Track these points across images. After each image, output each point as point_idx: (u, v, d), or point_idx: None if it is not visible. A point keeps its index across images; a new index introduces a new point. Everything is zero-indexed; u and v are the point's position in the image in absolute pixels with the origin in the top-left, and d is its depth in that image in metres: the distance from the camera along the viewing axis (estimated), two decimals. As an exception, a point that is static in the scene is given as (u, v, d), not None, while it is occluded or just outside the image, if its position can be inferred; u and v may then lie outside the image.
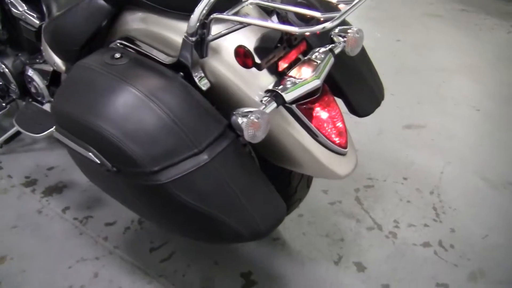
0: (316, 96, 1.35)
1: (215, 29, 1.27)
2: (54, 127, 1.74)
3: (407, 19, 4.07)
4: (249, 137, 1.18)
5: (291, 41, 1.31)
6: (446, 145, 2.54)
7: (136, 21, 1.47)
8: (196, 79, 1.34)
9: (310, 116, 1.35)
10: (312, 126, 1.34)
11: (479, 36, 3.86)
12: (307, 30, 1.13)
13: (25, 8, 1.85)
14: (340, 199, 2.11)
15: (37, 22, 1.83)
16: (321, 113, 1.36)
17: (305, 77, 1.26)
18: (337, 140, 1.38)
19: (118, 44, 1.50)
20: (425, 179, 2.28)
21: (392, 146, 2.49)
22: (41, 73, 1.96)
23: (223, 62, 1.32)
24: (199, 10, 1.22)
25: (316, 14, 1.21)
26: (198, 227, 1.34)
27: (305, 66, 1.28)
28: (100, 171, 1.34)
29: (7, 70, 2.06)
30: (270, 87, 1.26)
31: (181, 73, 1.34)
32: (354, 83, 1.56)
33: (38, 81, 1.97)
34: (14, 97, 2.18)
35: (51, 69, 1.90)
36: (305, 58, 1.31)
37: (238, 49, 1.22)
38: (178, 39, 1.34)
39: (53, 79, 1.94)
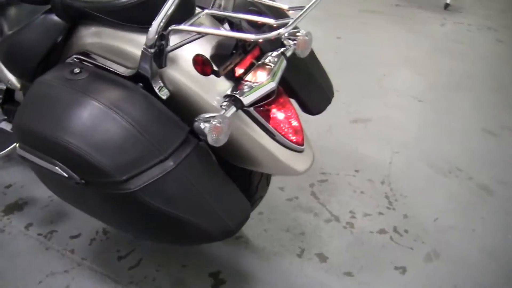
0: (272, 98, 1.42)
1: (173, 40, 1.32)
2: (15, 144, 1.76)
3: (345, 17, 4.23)
4: (212, 141, 1.24)
5: (245, 47, 1.38)
6: (393, 136, 2.67)
7: (91, 36, 1.50)
8: (156, 89, 1.38)
9: (267, 118, 1.42)
10: (270, 126, 1.41)
11: (415, 29, 4.06)
12: (263, 37, 1.20)
13: None
14: (297, 195, 2.20)
15: None
16: (277, 114, 1.44)
17: (261, 81, 1.32)
18: (294, 138, 1.46)
19: (74, 59, 1.53)
20: (375, 170, 2.40)
21: (341, 140, 2.60)
22: (-7, 92, 1.95)
23: (181, 71, 1.38)
24: (157, 23, 1.27)
25: (270, 21, 1.29)
26: (169, 231, 1.39)
27: (260, 70, 1.35)
28: (68, 185, 1.37)
29: None
30: (228, 92, 1.32)
31: (141, 84, 1.39)
32: (306, 84, 1.65)
33: None
34: None
35: (3, 87, 1.90)
36: (259, 62, 1.37)
37: (196, 58, 1.28)
38: (135, 50, 1.39)
39: (6, 96, 1.94)
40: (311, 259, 1.89)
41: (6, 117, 1.99)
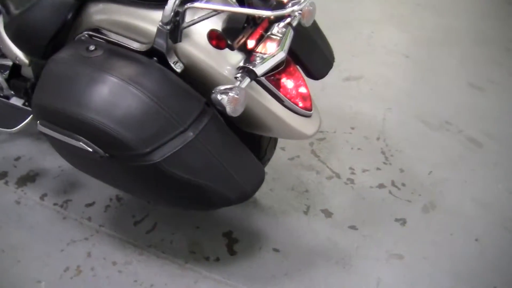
0: (282, 67, 1.49)
1: (188, 15, 1.37)
2: (28, 119, 1.81)
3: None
4: (230, 112, 1.30)
5: (255, 20, 1.44)
6: (384, 93, 2.77)
7: (101, 12, 1.53)
8: (172, 63, 1.44)
9: (278, 86, 1.49)
10: (280, 94, 1.49)
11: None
12: (278, 14, 1.27)
13: None
14: (298, 154, 2.29)
15: None
16: (287, 82, 1.51)
17: (271, 52, 1.38)
18: (303, 104, 1.54)
19: (86, 35, 1.57)
20: (370, 126, 2.50)
21: (336, 99, 2.69)
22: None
23: (195, 45, 1.43)
24: (173, 1, 1.32)
25: None
26: (190, 198, 1.47)
27: (269, 42, 1.41)
28: (91, 159, 1.44)
29: None
30: (241, 64, 1.38)
31: (155, 58, 1.44)
32: (309, 50, 1.71)
33: None
34: None
35: (9, 63, 1.93)
36: (268, 34, 1.43)
37: (211, 33, 1.34)
38: (148, 26, 1.44)
39: (13, 72, 1.97)
40: (317, 215, 2.00)
41: (13, 92, 2.02)
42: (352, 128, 2.48)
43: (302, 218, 1.98)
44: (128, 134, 1.32)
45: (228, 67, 1.44)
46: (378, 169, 2.25)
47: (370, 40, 3.27)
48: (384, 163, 2.28)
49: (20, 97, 1.94)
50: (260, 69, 1.35)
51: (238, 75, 1.35)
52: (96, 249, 1.82)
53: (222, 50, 1.37)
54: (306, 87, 1.56)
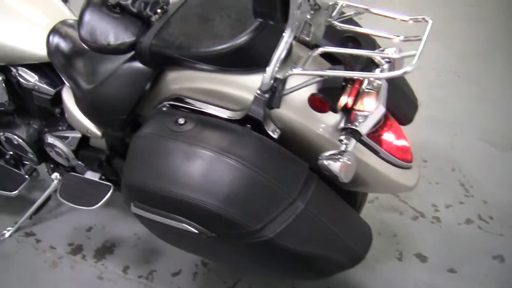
0: (381, 122, 1.42)
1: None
2: (110, 192, 1.74)
3: None
4: (344, 178, 1.24)
5: (353, 78, 1.37)
6: (445, 117, 2.69)
7: (183, 80, 1.48)
8: (270, 131, 1.38)
9: (379, 142, 1.42)
10: (383, 150, 1.42)
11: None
12: (390, 75, 1.19)
13: (37, 78, 1.82)
14: (377, 196, 2.21)
15: (52, 89, 1.81)
16: (388, 136, 1.44)
17: (371, 108, 1.31)
18: (404, 157, 1.47)
19: (167, 106, 1.52)
20: (441, 156, 2.42)
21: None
22: (65, 139, 1.93)
23: (293, 109, 1.36)
24: (271, 68, 1.26)
25: (394, 55, 1.26)
26: (302, 269, 1.40)
27: (366, 97, 1.34)
28: (195, 239, 1.37)
29: (21, 140, 2.01)
30: (342, 124, 1.31)
31: (249, 126, 1.38)
32: (395, 95, 1.64)
33: (63, 148, 1.94)
34: (33, 165, 2.14)
35: (78, 135, 1.87)
36: (363, 88, 1.36)
37: (314, 98, 1.28)
38: (239, 93, 1.39)
39: (81, 143, 1.92)
40: (412, 260, 1.92)
41: (82, 163, 1.97)
42: (425, 161, 2.40)
43: (397, 265, 1.90)
44: (237, 212, 1.25)
45: (329, 129, 1.37)
46: (461, 203, 2.17)
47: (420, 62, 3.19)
48: (466, 195, 2.20)
49: (95, 170, 1.88)
50: (364, 128, 1.29)
51: (342, 137, 1.28)
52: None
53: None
54: (406, 138, 1.48)
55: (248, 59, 1.36)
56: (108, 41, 1.48)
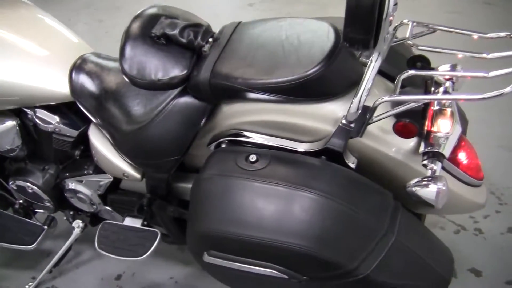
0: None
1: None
2: (157, 240, 1.60)
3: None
4: (440, 204, 1.17)
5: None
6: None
7: (245, 114, 1.38)
8: (351, 164, 1.30)
9: (456, 163, 1.35)
10: (459, 171, 1.36)
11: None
12: (490, 96, 1.13)
13: (57, 120, 1.67)
14: (414, 212, 2.16)
15: (75, 131, 1.68)
16: (463, 155, 1.38)
17: (447, 128, 1.26)
18: (478, 175, 1.41)
19: (226, 142, 1.41)
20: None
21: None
22: (90, 183, 1.78)
23: (371, 136, 1.29)
24: (358, 98, 1.19)
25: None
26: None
27: (441, 118, 1.28)
28: (281, 284, 1.27)
29: (36, 188, 1.85)
30: (423, 149, 1.24)
31: (323, 157, 1.30)
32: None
33: (88, 193, 1.80)
34: (49, 214, 1.97)
35: (108, 178, 1.73)
36: (436, 109, 1.29)
37: (401, 123, 1.21)
38: (310, 123, 1.32)
39: (110, 187, 1.78)
40: (467, 276, 1.88)
41: (110, 208, 1.83)
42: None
43: (454, 283, 1.80)
44: (332, 252, 1.18)
45: (408, 155, 1.31)
46: (497, 211, 2.15)
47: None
48: (500, 203, 2.18)
49: (133, 216, 1.72)
50: (447, 151, 1.23)
51: (425, 161, 1.22)
52: None
53: (394, 136, 1.27)
54: (477, 156, 1.43)
55: (322, 88, 1.28)
56: (158, 76, 1.36)
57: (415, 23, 1.37)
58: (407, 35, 1.36)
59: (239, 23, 1.47)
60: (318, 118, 1.30)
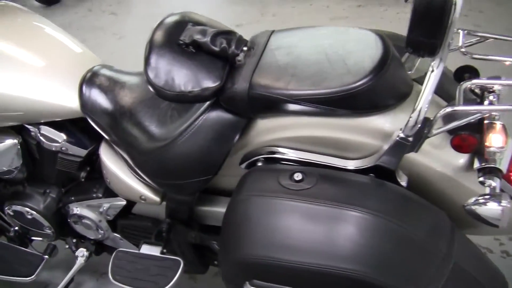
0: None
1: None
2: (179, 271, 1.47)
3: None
4: (505, 223, 1.07)
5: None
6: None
7: (284, 129, 1.26)
8: (403, 183, 1.20)
9: (509, 179, 1.26)
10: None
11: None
12: None
13: (64, 137, 1.54)
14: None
15: (84, 150, 1.55)
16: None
17: (501, 142, 1.16)
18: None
19: (262, 160, 1.29)
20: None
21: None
22: (99, 208, 1.63)
23: (426, 153, 1.19)
24: (418, 110, 1.09)
25: None
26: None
27: (492, 132, 1.18)
28: None
29: (36, 213, 1.69)
30: (477, 165, 1.15)
31: (372, 175, 1.19)
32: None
33: (95, 219, 1.65)
34: (49, 242, 1.81)
35: (121, 202, 1.59)
36: (487, 122, 1.20)
37: (460, 137, 1.12)
38: (358, 138, 1.21)
39: (121, 212, 1.63)
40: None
41: (119, 235, 1.68)
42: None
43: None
44: (393, 278, 1.06)
45: (461, 171, 1.21)
46: (521, 233, 2.06)
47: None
48: (523, 224, 2.10)
49: (151, 243, 1.56)
50: (503, 166, 1.13)
51: (481, 178, 1.12)
52: None
53: (445, 151, 1.18)
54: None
55: (372, 100, 1.17)
56: (189, 88, 1.23)
57: (465, 31, 1.29)
58: (460, 44, 1.27)
59: (273, 31, 1.36)
60: (365, 133, 1.19)
